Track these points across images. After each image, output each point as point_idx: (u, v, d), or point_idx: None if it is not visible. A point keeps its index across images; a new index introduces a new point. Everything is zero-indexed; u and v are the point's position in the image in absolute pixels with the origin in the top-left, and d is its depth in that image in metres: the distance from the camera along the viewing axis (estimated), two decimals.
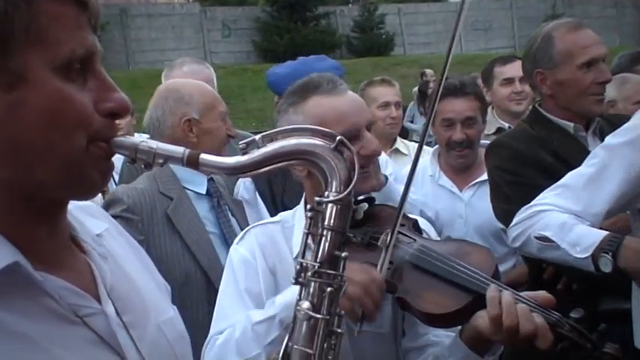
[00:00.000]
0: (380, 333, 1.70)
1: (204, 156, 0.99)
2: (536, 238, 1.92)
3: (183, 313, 2.27)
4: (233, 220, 2.55)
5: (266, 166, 1.00)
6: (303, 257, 1.03)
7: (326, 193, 1.01)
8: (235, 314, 1.67)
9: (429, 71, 13.44)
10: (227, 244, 2.43)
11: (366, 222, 1.69)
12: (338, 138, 1.02)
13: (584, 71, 2.35)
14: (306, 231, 1.03)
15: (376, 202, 1.78)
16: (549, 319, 1.42)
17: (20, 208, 0.92)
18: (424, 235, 1.73)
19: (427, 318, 1.54)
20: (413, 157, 1.69)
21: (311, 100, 1.71)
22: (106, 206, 2.39)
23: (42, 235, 0.95)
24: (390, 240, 1.56)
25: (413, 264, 1.57)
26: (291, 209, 1.89)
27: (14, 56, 0.85)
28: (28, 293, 0.89)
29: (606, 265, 1.74)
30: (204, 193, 2.52)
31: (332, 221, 1.00)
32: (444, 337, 1.63)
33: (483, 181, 2.94)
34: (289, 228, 1.81)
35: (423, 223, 1.84)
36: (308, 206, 1.04)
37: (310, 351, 1.00)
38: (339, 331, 1.02)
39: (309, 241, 1.03)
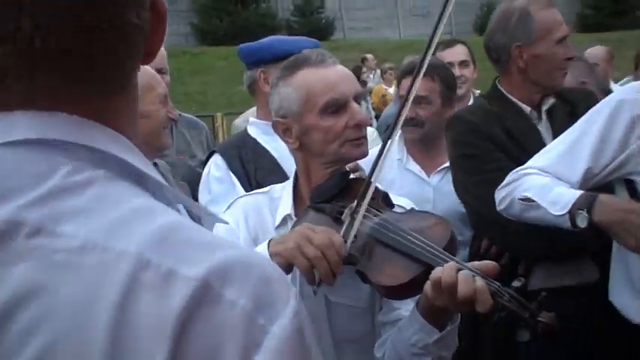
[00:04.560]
0: (358, 307, 1.74)
1: None
2: (519, 199, 2.02)
3: None
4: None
5: None
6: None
7: None
8: None
9: (369, 56, 13.56)
10: None
11: (337, 196, 1.75)
12: None
13: (559, 46, 2.43)
14: None
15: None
16: (489, 288, 1.45)
17: None
18: (395, 208, 1.77)
19: (382, 290, 1.60)
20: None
21: (300, 72, 1.76)
22: None
23: None
24: (356, 214, 1.61)
25: (373, 237, 1.63)
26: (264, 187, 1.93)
27: None
28: None
29: (582, 221, 1.85)
30: None
31: None
32: None
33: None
34: (277, 199, 1.85)
35: (396, 197, 1.89)
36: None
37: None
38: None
39: None
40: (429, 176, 3.00)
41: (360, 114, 1.76)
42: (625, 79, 5.55)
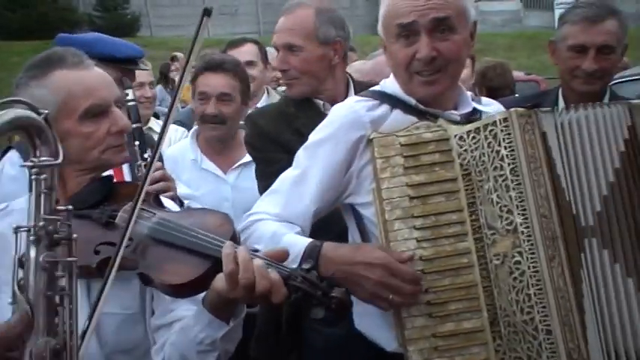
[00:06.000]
0: (128, 314, 1.66)
1: None
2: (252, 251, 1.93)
3: None
4: None
5: None
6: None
7: (38, 157, 1.23)
8: None
9: (180, 54, 13.38)
10: None
11: (104, 201, 1.67)
12: (46, 112, 1.24)
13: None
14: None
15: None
16: (283, 273, 1.49)
17: None
18: (166, 208, 1.73)
19: (170, 289, 1.55)
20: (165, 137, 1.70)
21: (56, 73, 1.64)
22: None
23: None
24: (131, 216, 1.53)
25: (152, 237, 1.57)
26: None
27: None
28: None
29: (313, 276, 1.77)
30: None
31: (53, 183, 1.25)
32: (192, 310, 1.62)
33: (247, 163, 2.95)
34: (17, 213, 1.66)
35: (164, 199, 1.85)
36: (33, 170, 1.23)
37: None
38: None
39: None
40: (225, 174, 3.02)
41: (122, 120, 1.69)
42: None
